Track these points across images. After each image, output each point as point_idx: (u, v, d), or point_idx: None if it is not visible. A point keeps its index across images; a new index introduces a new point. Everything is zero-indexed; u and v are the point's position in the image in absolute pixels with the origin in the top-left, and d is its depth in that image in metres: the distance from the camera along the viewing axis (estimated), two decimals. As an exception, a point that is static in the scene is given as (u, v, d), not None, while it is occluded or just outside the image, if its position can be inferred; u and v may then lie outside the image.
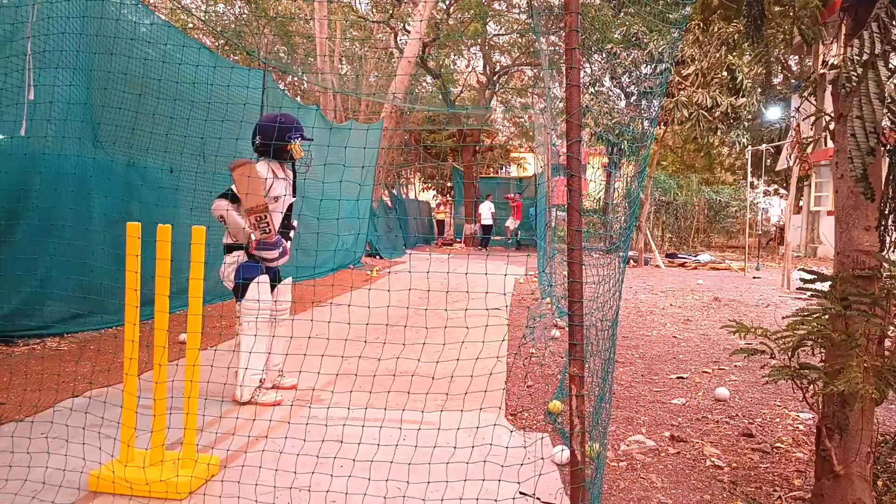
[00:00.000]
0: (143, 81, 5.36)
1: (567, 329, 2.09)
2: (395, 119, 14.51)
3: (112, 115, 5.16)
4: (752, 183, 17.36)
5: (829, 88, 2.28)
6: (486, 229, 19.56)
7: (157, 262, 2.51)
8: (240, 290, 3.55)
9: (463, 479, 2.47)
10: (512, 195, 19.83)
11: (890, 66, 2.05)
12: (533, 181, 21.57)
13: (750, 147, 14.31)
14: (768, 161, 19.41)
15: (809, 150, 12.20)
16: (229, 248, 3.63)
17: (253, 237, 3.54)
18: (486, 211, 19.59)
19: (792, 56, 19.61)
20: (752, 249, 16.52)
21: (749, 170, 14.85)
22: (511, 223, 19.36)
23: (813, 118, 3.05)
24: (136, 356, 2.49)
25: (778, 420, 3.58)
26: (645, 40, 11.98)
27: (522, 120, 25.26)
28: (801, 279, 2.35)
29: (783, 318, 2.44)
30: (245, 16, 20.06)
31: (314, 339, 4.08)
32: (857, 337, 2.11)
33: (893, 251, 2.35)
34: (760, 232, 20.44)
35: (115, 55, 5.14)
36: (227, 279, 3.62)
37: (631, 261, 15.37)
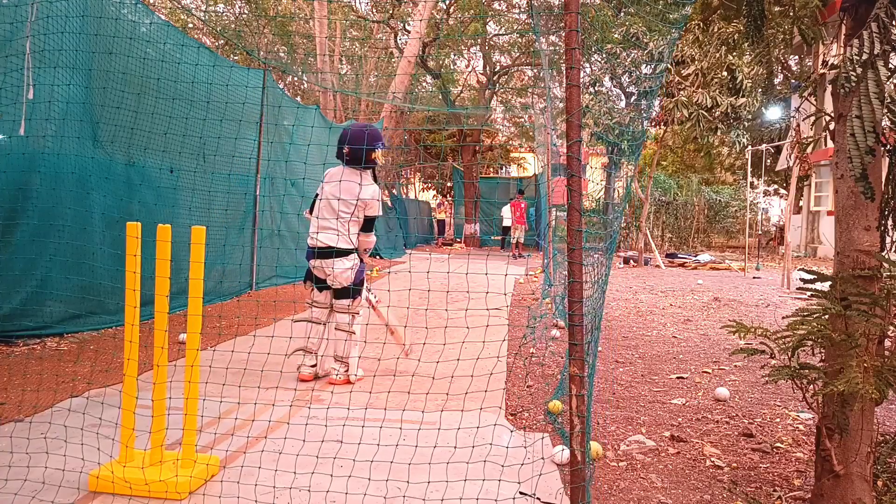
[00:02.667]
0: (142, 81, 5.36)
1: (567, 329, 2.09)
2: (395, 119, 14.50)
3: (111, 114, 5.16)
4: (752, 183, 17.37)
5: (829, 88, 2.28)
6: (506, 230, 19.25)
7: (157, 262, 2.51)
8: (352, 290, 4.02)
9: (463, 479, 2.47)
10: (517, 201, 17.33)
11: (890, 66, 2.05)
12: (533, 181, 21.52)
13: (750, 147, 14.31)
14: (768, 161, 19.43)
15: (809, 150, 12.20)
16: (347, 252, 3.98)
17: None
18: (507, 212, 19.26)
19: (792, 56, 19.61)
20: (752, 249, 16.51)
21: (749, 170, 14.85)
22: (517, 231, 17.00)
23: (813, 118, 3.05)
24: (136, 356, 2.49)
25: (778, 420, 3.58)
26: (645, 40, 11.98)
27: (522, 120, 25.25)
28: (801, 279, 2.35)
29: (783, 318, 2.44)
30: (245, 16, 20.06)
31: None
32: (857, 337, 2.10)
33: (894, 251, 2.35)
34: (760, 232, 20.44)
35: (115, 55, 5.14)
36: (343, 279, 3.99)
37: (631, 261, 15.37)
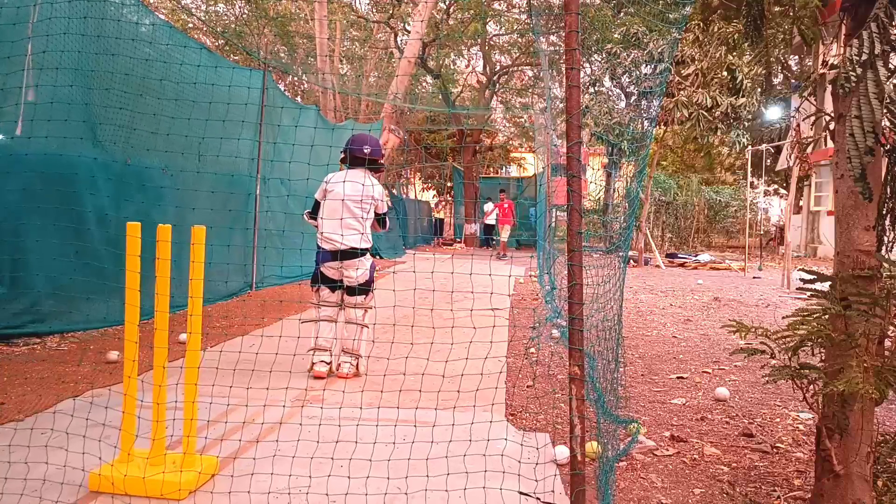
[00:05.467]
0: (143, 82, 5.36)
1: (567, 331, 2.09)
2: (395, 119, 14.49)
3: (112, 115, 5.16)
4: (752, 183, 17.37)
5: (829, 88, 2.28)
6: (488, 229, 19.30)
7: (157, 262, 2.51)
8: (369, 285, 4.23)
9: (463, 478, 2.47)
10: (500, 201, 16.83)
11: (889, 66, 2.05)
12: (533, 181, 21.51)
13: (750, 147, 14.31)
14: (768, 161, 19.40)
15: (809, 150, 12.21)
16: (367, 252, 4.20)
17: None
18: (489, 209, 19.32)
19: (792, 56, 19.61)
20: (753, 249, 16.51)
21: (749, 170, 14.85)
22: (503, 231, 16.62)
23: (813, 118, 3.05)
24: (136, 357, 2.49)
25: (778, 420, 3.58)
26: (645, 40, 11.98)
27: (522, 120, 25.25)
28: (801, 279, 2.35)
29: (783, 318, 2.44)
30: (245, 16, 20.06)
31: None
32: (857, 337, 2.10)
33: (892, 250, 2.35)
34: (760, 232, 20.43)
35: (116, 55, 5.14)
36: (362, 276, 4.17)
37: (631, 261, 15.36)
